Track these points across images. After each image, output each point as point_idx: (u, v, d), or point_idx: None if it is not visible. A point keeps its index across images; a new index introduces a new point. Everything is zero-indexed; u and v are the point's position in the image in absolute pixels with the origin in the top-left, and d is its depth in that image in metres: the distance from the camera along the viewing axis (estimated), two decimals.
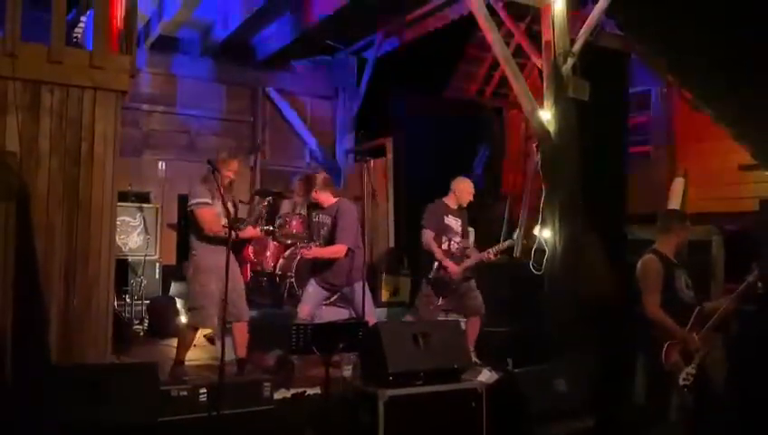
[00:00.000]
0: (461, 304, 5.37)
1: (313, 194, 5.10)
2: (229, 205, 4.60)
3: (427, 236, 5.29)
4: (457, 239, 5.41)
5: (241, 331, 4.79)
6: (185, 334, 4.74)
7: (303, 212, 6.96)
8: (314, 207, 5.21)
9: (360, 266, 4.94)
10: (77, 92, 4.13)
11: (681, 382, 3.78)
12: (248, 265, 4.89)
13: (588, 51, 5.40)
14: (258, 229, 4.92)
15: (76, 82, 4.12)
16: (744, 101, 5.28)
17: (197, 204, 4.56)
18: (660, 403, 3.90)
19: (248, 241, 4.83)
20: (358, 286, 4.90)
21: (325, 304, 5.62)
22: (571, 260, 5.32)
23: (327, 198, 5.08)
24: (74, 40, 5.80)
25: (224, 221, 4.51)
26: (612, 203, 6.05)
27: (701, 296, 4.05)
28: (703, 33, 4.91)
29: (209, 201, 4.55)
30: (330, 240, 5.00)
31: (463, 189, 5.48)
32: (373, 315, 5.05)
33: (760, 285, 4.32)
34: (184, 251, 7.51)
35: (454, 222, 5.42)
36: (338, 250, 4.90)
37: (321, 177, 5.14)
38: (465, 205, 5.51)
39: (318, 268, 5.07)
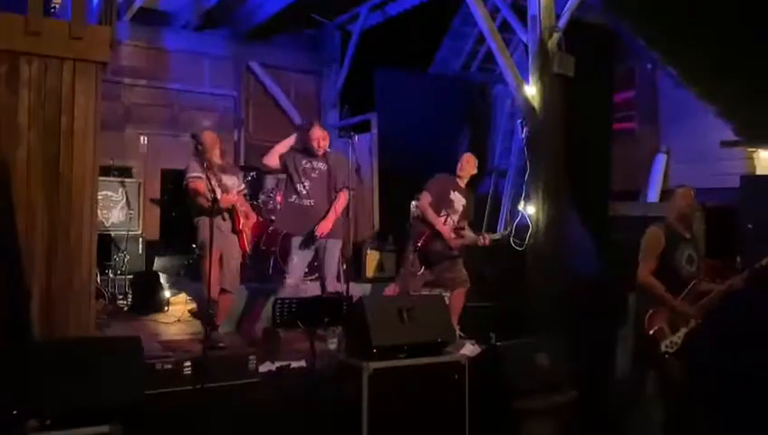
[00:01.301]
0: (445, 278, 5.34)
1: (321, 134, 5.07)
2: (225, 178, 4.84)
3: (425, 198, 5.23)
4: (456, 217, 5.34)
5: (226, 302, 4.94)
6: (208, 269, 4.49)
7: None
8: (305, 152, 5.14)
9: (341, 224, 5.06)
10: (56, 64, 4.04)
11: (663, 349, 3.83)
12: (243, 237, 4.92)
13: (573, 26, 5.39)
14: (235, 194, 4.97)
15: (55, 53, 4.03)
16: (727, 78, 5.31)
17: (189, 178, 4.79)
18: (641, 373, 3.97)
19: (235, 212, 4.85)
20: (333, 243, 5.02)
21: (310, 280, 5.64)
22: (554, 236, 5.36)
23: (325, 146, 5.11)
24: (52, 10, 5.67)
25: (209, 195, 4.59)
26: (596, 180, 6.09)
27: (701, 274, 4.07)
28: (688, 11, 4.91)
29: (200, 175, 4.68)
30: (322, 186, 5.05)
31: (466, 162, 5.44)
32: (335, 280, 5.13)
33: (738, 260, 4.39)
34: (166, 226, 7.53)
35: (457, 198, 5.35)
36: (345, 196, 5.03)
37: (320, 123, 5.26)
38: (465, 177, 5.43)
39: (304, 219, 5.03)
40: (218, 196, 4.62)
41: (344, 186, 5.04)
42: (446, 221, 5.25)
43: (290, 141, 5.20)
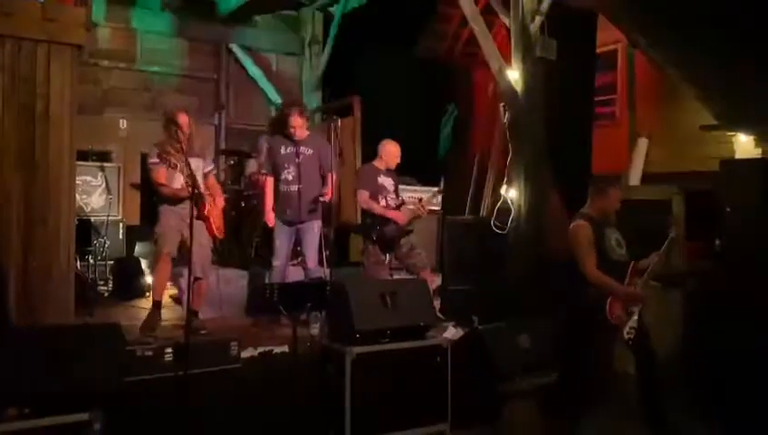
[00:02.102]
0: (408, 263, 5.42)
1: (300, 122, 5.10)
2: (192, 161, 4.62)
3: (363, 196, 5.36)
4: (392, 196, 5.48)
5: (200, 289, 4.90)
6: (157, 267, 4.84)
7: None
8: (287, 138, 5.18)
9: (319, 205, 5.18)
10: (30, 46, 3.96)
11: (626, 336, 3.90)
12: (211, 222, 4.83)
13: (555, 10, 5.37)
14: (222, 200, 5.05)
15: (28, 35, 3.96)
16: (707, 62, 5.33)
17: (149, 164, 4.75)
18: (605, 358, 4.03)
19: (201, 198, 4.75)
20: (311, 223, 5.13)
21: (293, 265, 5.63)
22: (535, 218, 5.38)
23: (305, 130, 5.17)
24: None
25: (182, 179, 4.62)
26: (577, 163, 6.10)
27: (633, 254, 4.14)
28: None
29: (158, 161, 4.65)
30: (310, 169, 5.14)
31: (390, 152, 5.50)
32: (316, 257, 5.20)
33: (717, 243, 4.45)
34: (147, 211, 7.46)
35: (387, 181, 5.48)
36: (335, 180, 5.20)
37: (301, 109, 5.24)
38: (392, 167, 5.54)
39: (293, 203, 5.10)
40: (182, 182, 4.63)
41: (330, 170, 5.13)
42: (387, 203, 5.39)
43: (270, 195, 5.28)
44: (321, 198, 5.15)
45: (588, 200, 4.17)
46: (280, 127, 5.32)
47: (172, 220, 4.76)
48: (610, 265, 3.95)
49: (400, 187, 5.72)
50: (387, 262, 5.39)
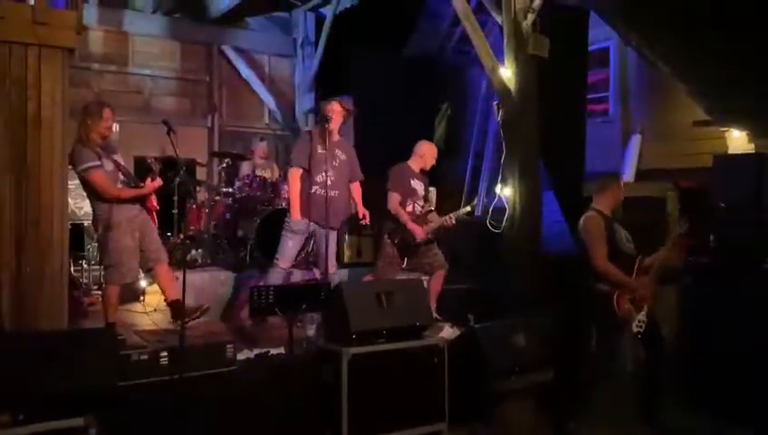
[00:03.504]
0: (423, 263, 5.38)
1: (340, 121, 4.94)
2: (117, 158, 4.53)
3: (394, 199, 5.27)
4: (421, 203, 5.41)
5: (164, 272, 4.60)
6: (107, 295, 4.49)
7: (263, 174, 6.85)
8: (322, 137, 4.85)
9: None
10: (20, 50, 3.92)
11: (635, 329, 3.92)
12: (153, 214, 4.70)
13: (547, 7, 5.37)
14: (157, 181, 4.57)
15: (18, 39, 3.91)
16: (698, 58, 5.34)
17: (87, 169, 4.33)
18: (611, 354, 4.05)
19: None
20: (333, 233, 4.93)
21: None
22: (530, 217, 5.38)
23: (337, 133, 5.00)
24: None
25: (121, 178, 4.50)
26: (571, 160, 6.12)
27: (640, 250, 4.20)
28: None
29: (98, 163, 4.37)
30: (343, 177, 4.97)
31: (428, 153, 5.46)
32: (334, 265, 5.02)
33: (711, 238, 4.47)
34: None
35: (418, 186, 5.41)
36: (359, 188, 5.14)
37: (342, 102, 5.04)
38: (428, 168, 5.49)
39: (328, 209, 4.74)
40: (121, 180, 4.46)
41: (361, 178, 5.13)
42: (413, 209, 5.33)
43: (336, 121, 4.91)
44: (361, 221, 5.05)
45: (593, 198, 4.27)
46: (321, 122, 4.99)
47: (128, 236, 4.41)
48: (621, 259, 4.02)
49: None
50: (403, 267, 5.36)
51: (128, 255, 4.42)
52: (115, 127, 7.99)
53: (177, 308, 4.49)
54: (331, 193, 4.74)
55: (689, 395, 4.42)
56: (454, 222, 5.32)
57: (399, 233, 5.25)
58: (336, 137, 4.99)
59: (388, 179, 5.36)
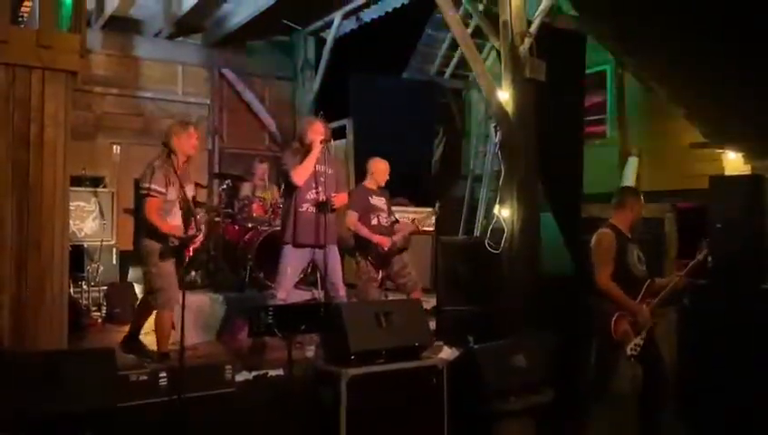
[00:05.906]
0: (399, 284, 5.49)
1: (328, 136, 4.91)
2: (188, 190, 4.39)
3: (351, 217, 5.37)
4: (385, 216, 5.52)
5: (166, 319, 4.45)
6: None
7: (263, 195, 6.89)
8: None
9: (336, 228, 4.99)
10: (24, 72, 3.98)
11: (629, 352, 3.90)
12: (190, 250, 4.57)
13: (545, 31, 5.45)
14: (199, 237, 4.45)
15: (23, 62, 3.98)
16: (694, 81, 5.41)
17: (148, 191, 4.26)
18: (609, 374, 4.03)
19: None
20: (332, 247, 4.85)
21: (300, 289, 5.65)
22: (528, 238, 5.40)
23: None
24: (20, 18, 5.59)
25: (179, 213, 4.36)
26: (569, 182, 6.15)
27: (653, 271, 4.17)
28: (656, 15, 5.00)
29: (162, 190, 4.27)
30: (331, 192, 4.80)
31: (379, 169, 5.56)
32: (342, 285, 4.87)
33: (709, 259, 4.48)
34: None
35: (378, 201, 5.51)
36: (345, 199, 5.08)
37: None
38: (383, 184, 5.58)
39: (309, 226, 4.71)
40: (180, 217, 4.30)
41: (345, 189, 5.15)
42: (378, 222, 5.44)
43: (317, 152, 4.79)
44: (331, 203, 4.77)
45: (612, 213, 4.21)
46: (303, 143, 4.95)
47: (170, 264, 4.34)
48: (629, 281, 3.95)
49: (395, 208, 5.75)
50: (379, 279, 5.41)
51: (168, 281, 4.32)
52: (115, 149, 8.13)
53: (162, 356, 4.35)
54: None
55: (688, 415, 4.40)
56: (420, 228, 5.49)
57: (368, 246, 5.34)
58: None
59: (349, 201, 5.41)
